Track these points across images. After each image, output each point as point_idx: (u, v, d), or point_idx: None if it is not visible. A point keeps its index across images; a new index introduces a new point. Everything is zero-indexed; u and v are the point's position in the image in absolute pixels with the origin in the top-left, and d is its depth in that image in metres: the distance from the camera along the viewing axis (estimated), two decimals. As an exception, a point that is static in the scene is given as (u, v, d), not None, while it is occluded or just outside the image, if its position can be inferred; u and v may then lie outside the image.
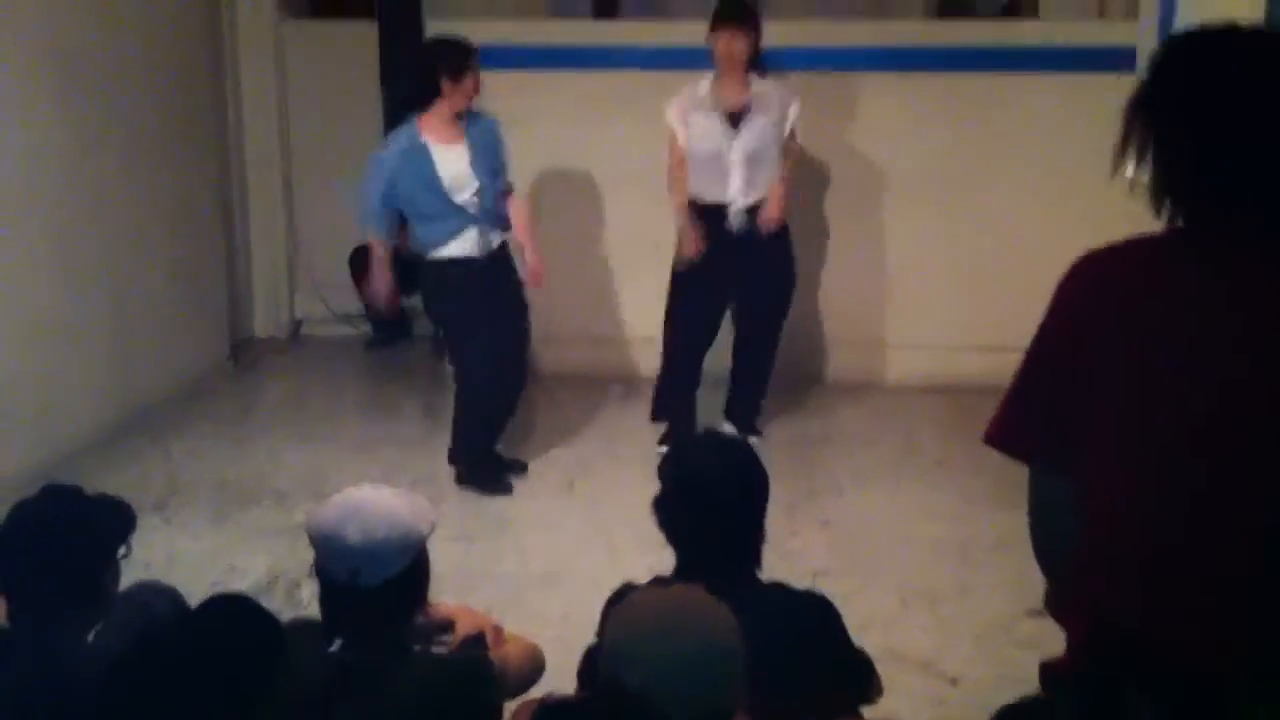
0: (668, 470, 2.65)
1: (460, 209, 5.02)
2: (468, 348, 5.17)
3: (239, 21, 7.08)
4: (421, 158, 4.97)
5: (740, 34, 5.16)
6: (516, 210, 5.24)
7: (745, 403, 5.65)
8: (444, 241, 5.03)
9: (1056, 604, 2.06)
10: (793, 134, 5.38)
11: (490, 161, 5.08)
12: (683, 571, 2.55)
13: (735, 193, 5.29)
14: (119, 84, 5.74)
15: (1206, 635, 1.82)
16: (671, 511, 2.58)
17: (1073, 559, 1.96)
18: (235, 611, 2.28)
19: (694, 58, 5.40)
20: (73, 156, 5.42)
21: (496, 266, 5.14)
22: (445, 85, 4.95)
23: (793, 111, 5.35)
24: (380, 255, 5.14)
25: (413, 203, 5.02)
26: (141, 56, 5.94)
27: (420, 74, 5.05)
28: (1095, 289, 1.90)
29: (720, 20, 5.23)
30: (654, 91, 5.58)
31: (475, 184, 5.01)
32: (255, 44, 7.12)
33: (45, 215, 5.27)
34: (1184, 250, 1.86)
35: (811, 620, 2.52)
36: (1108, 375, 1.86)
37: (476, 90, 5.03)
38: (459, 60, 4.97)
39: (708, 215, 5.32)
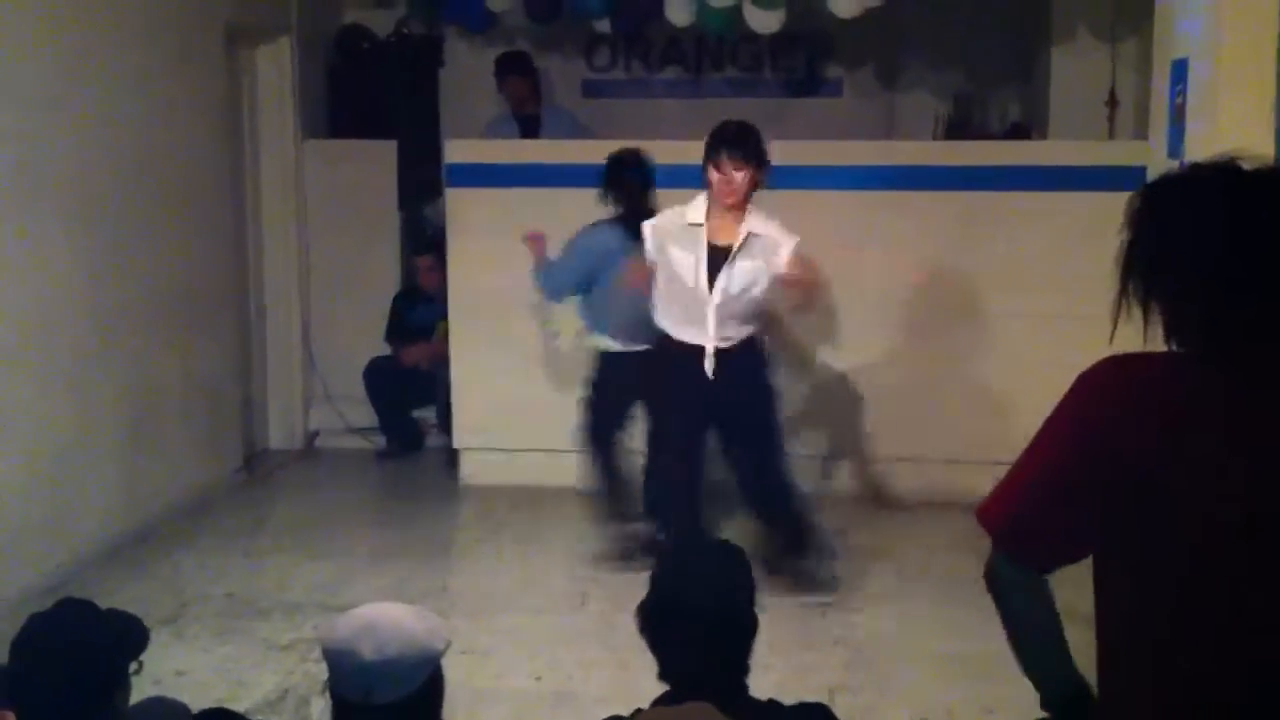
0: (651, 575, 2.58)
1: None
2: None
3: (260, 139, 7.23)
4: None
5: (746, 167, 4.58)
6: None
7: (795, 549, 5.16)
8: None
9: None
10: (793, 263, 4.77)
11: None
12: (666, 679, 2.44)
13: (711, 337, 4.80)
14: (139, 203, 5.84)
15: None
16: (650, 617, 2.48)
17: (1100, 677, 1.93)
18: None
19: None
20: (93, 272, 5.49)
21: None
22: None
23: (784, 254, 4.73)
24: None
25: None
26: (162, 175, 6.04)
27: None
28: (1122, 388, 1.86)
29: (723, 146, 4.61)
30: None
31: None
32: (276, 161, 7.27)
33: (63, 332, 5.33)
34: (1206, 360, 1.84)
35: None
36: (1137, 481, 1.81)
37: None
38: None
39: (682, 355, 4.86)
